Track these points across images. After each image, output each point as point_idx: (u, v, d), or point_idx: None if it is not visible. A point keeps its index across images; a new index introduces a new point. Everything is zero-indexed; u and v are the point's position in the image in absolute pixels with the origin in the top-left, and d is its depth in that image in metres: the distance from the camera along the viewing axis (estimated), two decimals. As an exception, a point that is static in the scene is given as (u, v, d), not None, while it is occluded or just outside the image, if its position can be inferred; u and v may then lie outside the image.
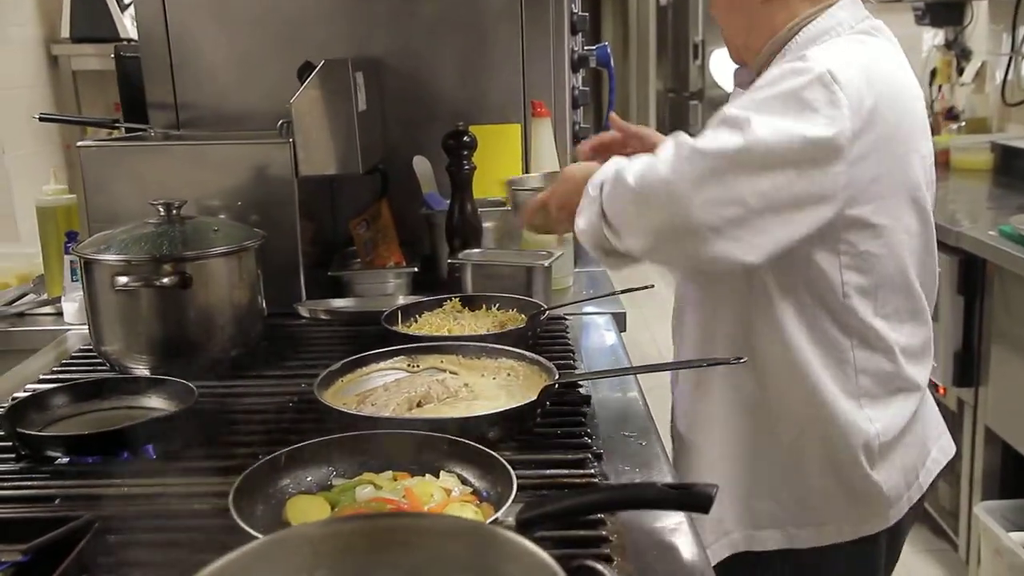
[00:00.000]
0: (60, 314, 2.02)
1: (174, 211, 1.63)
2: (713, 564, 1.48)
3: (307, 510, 1.07)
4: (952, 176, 3.80)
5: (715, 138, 1.32)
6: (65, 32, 3.93)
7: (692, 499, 0.92)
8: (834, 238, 1.37)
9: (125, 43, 2.87)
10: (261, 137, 1.96)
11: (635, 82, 7.95)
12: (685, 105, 5.77)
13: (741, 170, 1.29)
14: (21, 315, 2.10)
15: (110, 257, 1.54)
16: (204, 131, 2.26)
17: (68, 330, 1.95)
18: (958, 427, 2.93)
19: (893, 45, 1.46)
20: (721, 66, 5.50)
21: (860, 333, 1.43)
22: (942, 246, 1.77)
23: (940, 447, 1.60)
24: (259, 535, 0.95)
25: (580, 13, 2.34)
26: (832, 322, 1.42)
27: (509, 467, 1.08)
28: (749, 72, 1.51)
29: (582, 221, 1.44)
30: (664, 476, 1.25)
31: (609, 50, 2.45)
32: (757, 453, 1.50)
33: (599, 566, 0.85)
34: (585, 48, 2.46)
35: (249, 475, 1.08)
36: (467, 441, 1.15)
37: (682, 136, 1.37)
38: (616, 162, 1.43)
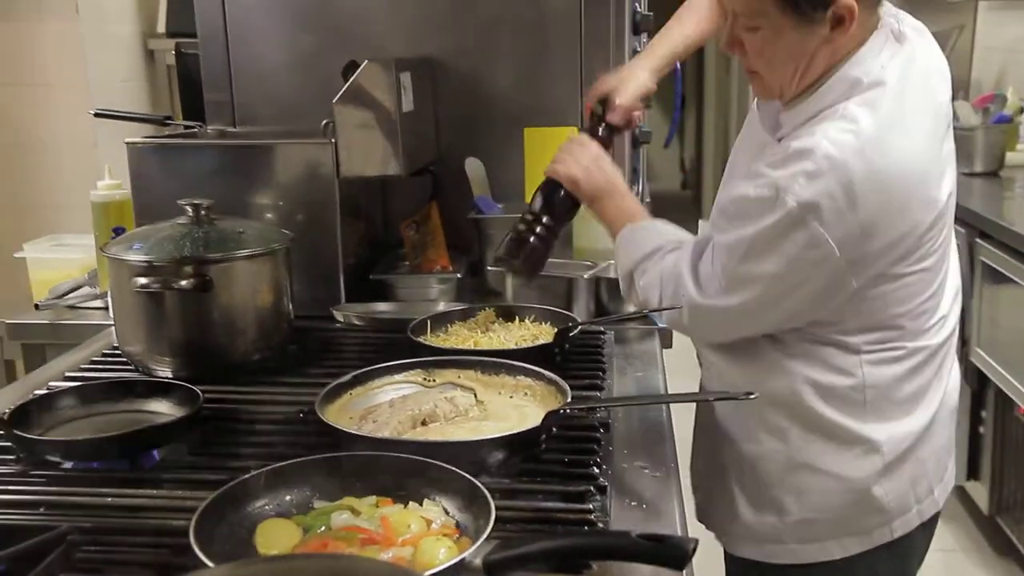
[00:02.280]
0: (107, 308, 2.03)
1: (203, 211, 1.61)
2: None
3: (276, 535, 1.02)
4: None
5: (716, 295, 1.37)
6: (161, 27, 4.01)
7: (666, 553, 0.84)
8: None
9: (185, 40, 2.88)
10: (308, 137, 1.93)
11: (736, 83, 7.76)
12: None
13: (754, 318, 1.38)
14: (72, 308, 2.13)
15: (132, 257, 1.53)
16: (260, 129, 2.25)
17: (111, 325, 1.96)
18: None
19: (916, 67, 1.35)
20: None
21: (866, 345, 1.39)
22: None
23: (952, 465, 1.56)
24: (210, 563, 0.91)
25: (644, 12, 2.25)
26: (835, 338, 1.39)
27: (490, 500, 1.01)
28: (775, 104, 1.42)
29: (622, 284, 1.55)
30: (671, 517, 1.16)
31: (676, 51, 2.34)
32: (759, 463, 1.46)
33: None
34: (651, 49, 2.36)
35: (220, 496, 1.04)
36: (453, 468, 1.08)
37: (685, 287, 1.41)
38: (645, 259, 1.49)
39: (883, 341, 1.38)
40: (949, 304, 1.45)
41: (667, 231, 1.52)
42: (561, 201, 1.59)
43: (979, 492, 3.19)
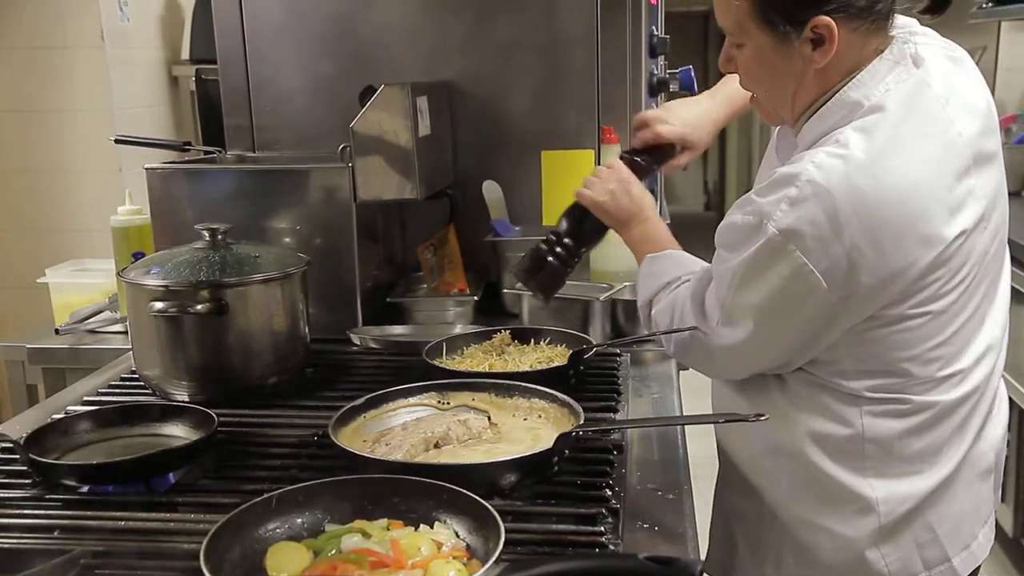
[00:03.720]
0: (127, 333, 2.04)
1: (219, 236, 1.62)
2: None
3: (286, 558, 1.02)
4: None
5: (718, 327, 1.34)
6: (185, 54, 4.06)
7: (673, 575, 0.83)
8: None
9: (206, 66, 2.92)
10: (325, 161, 1.95)
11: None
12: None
13: (756, 352, 1.33)
14: (92, 332, 2.14)
15: (149, 282, 1.54)
16: (278, 154, 2.27)
17: (131, 349, 1.97)
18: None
19: (928, 87, 1.27)
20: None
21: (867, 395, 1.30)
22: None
23: (985, 534, 1.42)
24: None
25: (661, 36, 2.26)
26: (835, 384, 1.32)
27: (500, 522, 1.01)
28: (790, 130, 1.39)
29: (641, 314, 1.53)
30: (683, 539, 1.15)
31: (692, 73, 2.35)
32: (763, 513, 1.40)
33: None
34: (668, 71, 2.37)
35: (231, 519, 1.04)
36: (463, 491, 1.08)
37: (689, 319, 1.39)
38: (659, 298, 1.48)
39: (886, 390, 1.29)
40: (974, 358, 1.32)
41: (687, 261, 1.49)
42: (587, 225, 1.60)
43: (1004, 514, 3.14)
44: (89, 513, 1.19)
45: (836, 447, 1.31)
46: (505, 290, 1.95)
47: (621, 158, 1.65)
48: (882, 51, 1.28)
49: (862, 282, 1.20)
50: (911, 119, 1.24)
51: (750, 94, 1.40)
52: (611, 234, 2.05)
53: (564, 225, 1.60)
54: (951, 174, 1.24)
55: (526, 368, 1.61)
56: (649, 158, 1.65)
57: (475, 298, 2.04)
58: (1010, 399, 2.77)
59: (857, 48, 1.26)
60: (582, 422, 1.30)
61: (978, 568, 1.41)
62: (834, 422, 1.31)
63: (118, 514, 1.18)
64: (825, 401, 1.32)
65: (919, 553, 1.34)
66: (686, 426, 1.46)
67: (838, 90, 1.27)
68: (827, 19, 1.21)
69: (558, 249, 1.58)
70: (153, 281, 1.54)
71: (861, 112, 1.24)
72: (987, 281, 1.32)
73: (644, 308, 1.51)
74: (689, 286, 1.42)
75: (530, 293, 1.68)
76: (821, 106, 1.29)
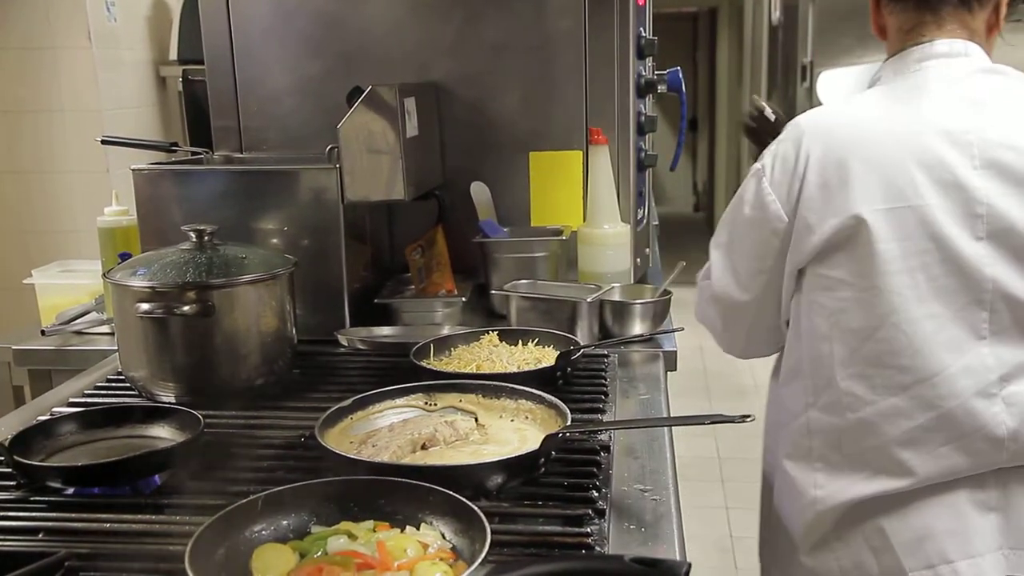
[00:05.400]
0: (113, 334, 2.04)
1: (206, 237, 1.61)
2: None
3: (272, 560, 1.02)
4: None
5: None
6: (173, 54, 4.04)
7: (659, 577, 0.83)
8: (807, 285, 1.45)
9: (193, 67, 2.91)
10: (313, 162, 1.94)
11: (748, 105, 7.77)
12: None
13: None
14: (79, 333, 2.14)
15: (135, 283, 1.54)
16: (266, 155, 2.26)
17: (116, 351, 1.97)
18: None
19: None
20: (829, 88, 5.29)
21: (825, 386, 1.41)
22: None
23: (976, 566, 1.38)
24: (203, 589, 0.91)
25: (649, 37, 2.26)
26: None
27: (486, 524, 1.01)
28: None
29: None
30: (670, 540, 1.15)
31: (681, 75, 2.35)
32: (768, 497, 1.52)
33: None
34: (656, 73, 2.37)
35: (217, 521, 1.04)
36: (449, 492, 1.08)
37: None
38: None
39: (824, 384, 1.39)
40: (940, 362, 1.33)
41: None
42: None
43: None
44: (74, 515, 1.19)
45: (792, 439, 1.46)
46: (493, 291, 1.95)
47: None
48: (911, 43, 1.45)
49: (801, 213, 1.44)
50: (891, 105, 1.44)
51: None
52: (599, 234, 2.07)
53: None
54: (900, 164, 1.40)
55: (514, 369, 1.61)
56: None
57: (463, 299, 2.04)
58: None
59: (894, 30, 1.48)
60: (569, 423, 1.30)
61: None
62: (793, 413, 1.48)
63: (103, 516, 1.18)
64: (793, 391, 1.48)
65: (874, 559, 1.38)
66: (673, 427, 1.47)
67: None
68: None
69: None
70: (139, 282, 1.54)
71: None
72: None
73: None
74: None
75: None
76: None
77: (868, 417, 1.35)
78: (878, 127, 1.39)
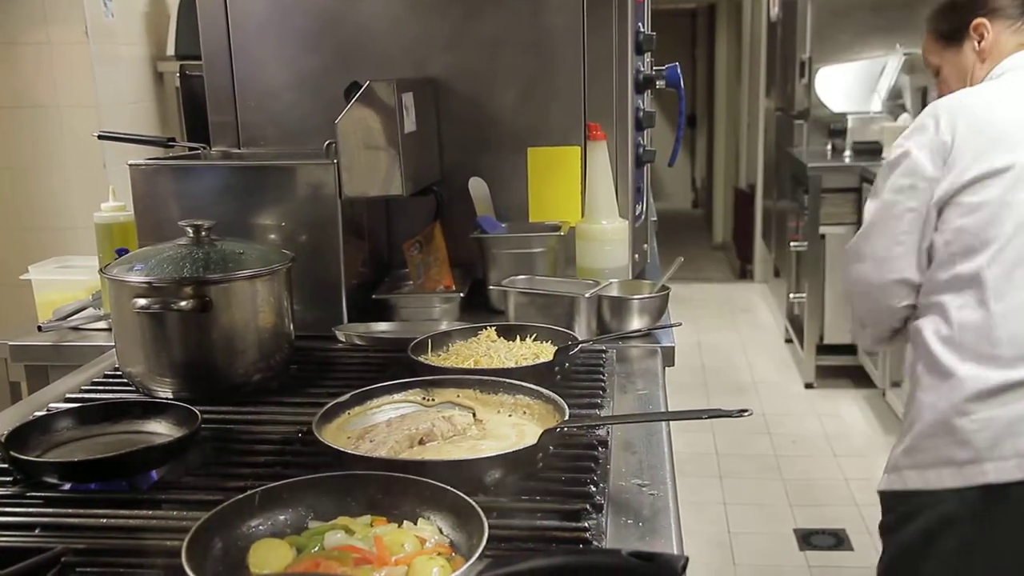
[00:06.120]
0: (111, 330, 2.04)
1: (203, 232, 1.61)
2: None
3: (269, 555, 1.02)
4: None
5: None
6: (170, 50, 4.04)
7: (656, 571, 0.83)
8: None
9: (190, 62, 2.91)
10: (310, 158, 1.94)
11: (746, 102, 7.75)
12: (791, 124, 5.57)
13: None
14: (76, 329, 2.13)
15: (132, 278, 1.54)
16: (263, 150, 2.26)
17: (113, 347, 1.96)
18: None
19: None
20: (828, 84, 5.28)
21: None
22: None
23: None
24: (200, 584, 0.91)
25: (647, 32, 2.25)
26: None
27: (483, 518, 1.01)
28: None
29: None
30: (668, 534, 1.15)
31: (679, 70, 2.35)
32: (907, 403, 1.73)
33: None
34: (654, 69, 2.37)
35: (213, 516, 1.04)
36: (446, 487, 1.08)
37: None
38: None
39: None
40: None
41: None
42: None
43: None
44: (71, 511, 1.19)
45: (944, 336, 1.69)
46: (491, 287, 1.95)
47: None
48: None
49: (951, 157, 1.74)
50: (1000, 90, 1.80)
51: None
52: (597, 230, 2.07)
53: None
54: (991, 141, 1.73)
55: (511, 364, 1.60)
56: None
57: (461, 295, 2.04)
58: None
59: (1004, 41, 1.81)
60: (567, 418, 1.30)
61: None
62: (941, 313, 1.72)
63: (100, 511, 1.17)
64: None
65: (1010, 433, 1.54)
66: (671, 422, 1.47)
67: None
68: (983, 20, 1.83)
69: None
70: (136, 278, 1.54)
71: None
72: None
73: None
74: None
75: None
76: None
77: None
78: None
